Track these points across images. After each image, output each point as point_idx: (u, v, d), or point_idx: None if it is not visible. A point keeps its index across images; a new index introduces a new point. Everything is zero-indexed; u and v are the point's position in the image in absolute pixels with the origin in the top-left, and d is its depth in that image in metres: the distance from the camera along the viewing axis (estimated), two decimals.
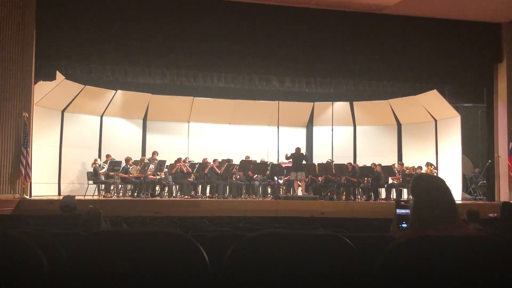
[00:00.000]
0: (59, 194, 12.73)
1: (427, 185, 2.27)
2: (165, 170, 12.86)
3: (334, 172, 12.67)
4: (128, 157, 12.61)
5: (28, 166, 10.55)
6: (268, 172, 13.02)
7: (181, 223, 5.81)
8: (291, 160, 12.58)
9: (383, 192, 13.21)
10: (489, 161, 13.27)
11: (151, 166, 12.48)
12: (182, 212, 9.50)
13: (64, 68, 11.93)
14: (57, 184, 13.15)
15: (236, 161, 13.19)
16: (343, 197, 12.74)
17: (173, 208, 10.43)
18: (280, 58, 12.47)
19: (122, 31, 11.56)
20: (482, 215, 6.47)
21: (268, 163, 13.25)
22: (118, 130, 14.65)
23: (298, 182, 12.51)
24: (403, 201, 2.89)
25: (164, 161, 12.75)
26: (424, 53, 12.74)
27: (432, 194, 2.23)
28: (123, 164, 12.48)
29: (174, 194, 12.90)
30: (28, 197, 10.68)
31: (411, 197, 2.34)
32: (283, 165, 13.13)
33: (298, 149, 12.74)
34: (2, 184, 10.41)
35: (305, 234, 1.85)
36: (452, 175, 13.24)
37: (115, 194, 12.36)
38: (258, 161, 13.48)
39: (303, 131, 16.40)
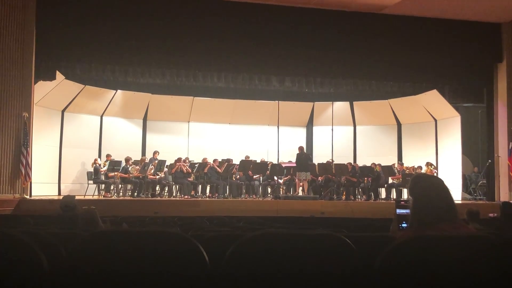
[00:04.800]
0: (59, 194, 12.72)
1: (425, 185, 2.28)
2: (165, 170, 12.86)
3: (334, 172, 12.66)
4: (128, 157, 12.61)
5: (28, 166, 10.56)
6: (268, 172, 13.02)
7: (181, 223, 5.81)
8: (292, 160, 12.56)
9: (383, 192, 13.20)
10: (489, 161, 13.28)
11: (151, 166, 12.49)
12: (182, 212, 9.50)
13: (64, 68, 11.93)
14: (57, 184, 13.14)
15: (236, 161, 13.19)
16: (343, 197, 12.71)
17: (173, 208, 10.42)
18: (280, 58, 12.46)
19: (122, 31, 11.56)
20: (482, 215, 6.46)
21: (268, 163, 13.25)
22: (118, 130, 14.64)
23: (300, 182, 12.50)
24: (403, 201, 2.88)
25: (164, 161, 12.75)
26: (424, 53, 12.73)
27: (430, 194, 2.23)
28: (123, 164, 12.48)
29: (174, 194, 12.90)
30: (28, 197, 10.68)
31: (410, 197, 2.35)
32: (283, 165, 13.12)
33: (301, 148, 12.70)
34: (2, 184, 10.40)
35: (305, 234, 1.85)
36: (452, 175, 13.25)
37: (115, 194, 12.36)
38: (258, 161, 13.48)
39: (303, 131, 16.39)
